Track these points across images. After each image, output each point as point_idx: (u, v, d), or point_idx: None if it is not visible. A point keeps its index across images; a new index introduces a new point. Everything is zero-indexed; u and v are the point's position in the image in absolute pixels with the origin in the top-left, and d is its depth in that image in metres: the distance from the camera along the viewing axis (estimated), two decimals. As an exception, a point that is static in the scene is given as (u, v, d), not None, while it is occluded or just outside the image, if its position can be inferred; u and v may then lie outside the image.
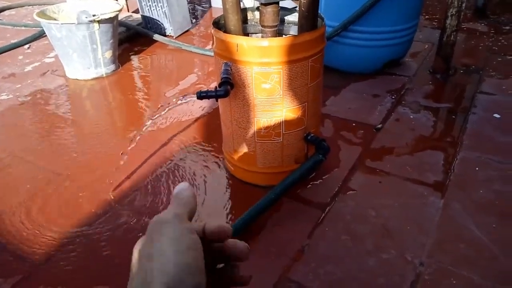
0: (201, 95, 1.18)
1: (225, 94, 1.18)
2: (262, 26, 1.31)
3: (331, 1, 2.10)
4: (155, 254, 0.38)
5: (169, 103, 1.27)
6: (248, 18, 1.44)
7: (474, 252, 1.16)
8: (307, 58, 1.23)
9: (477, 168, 1.48)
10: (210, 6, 3.56)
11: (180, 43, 2.67)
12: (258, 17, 1.35)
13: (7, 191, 1.46)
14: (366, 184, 1.45)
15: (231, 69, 1.23)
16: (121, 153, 1.46)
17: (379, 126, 1.76)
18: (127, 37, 2.79)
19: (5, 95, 2.14)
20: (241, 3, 1.30)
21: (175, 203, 0.45)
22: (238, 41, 1.19)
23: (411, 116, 1.84)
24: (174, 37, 2.83)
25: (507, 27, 2.86)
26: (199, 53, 2.57)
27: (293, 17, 1.42)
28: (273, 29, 1.30)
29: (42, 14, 2.22)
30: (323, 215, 1.31)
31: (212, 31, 1.28)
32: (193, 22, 3.12)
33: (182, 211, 0.44)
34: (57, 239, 1.26)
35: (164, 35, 2.83)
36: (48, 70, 2.43)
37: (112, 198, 1.41)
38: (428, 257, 1.15)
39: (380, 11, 1.98)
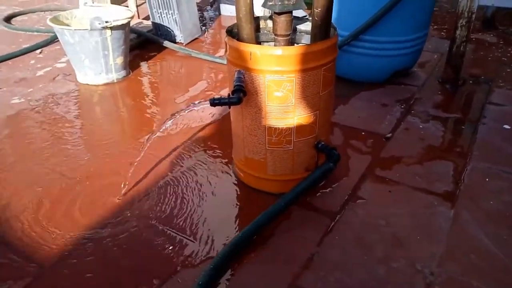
0: (214, 102, 1.20)
1: (238, 101, 1.20)
2: (275, 35, 1.33)
3: (342, 11, 2.11)
4: None
5: (180, 110, 1.28)
6: (261, 26, 1.45)
7: (485, 262, 1.16)
8: (320, 67, 1.24)
9: (487, 179, 1.48)
10: (219, 14, 3.59)
11: (190, 50, 2.70)
12: (271, 26, 1.37)
13: (17, 193, 1.48)
14: (376, 193, 1.45)
15: (244, 77, 1.24)
16: (130, 164, 1.47)
17: (389, 135, 1.77)
18: (137, 43, 2.82)
19: (17, 99, 2.17)
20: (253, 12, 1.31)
21: None
22: (251, 49, 1.21)
23: (421, 126, 1.84)
24: (184, 44, 2.86)
25: (516, 39, 2.87)
26: (208, 60, 2.59)
27: (305, 26, 1.43)
28: (286, 38, 1.32)
29: (56, 19, 2.25)
30: (332, 223, 1.31)
31: (226, 39, 1.30)
32: (202, 29, 3.15)
33: None
34: (67, 242, 1.27)
35: (174, 42, 2.86)
36: (59, 75, 2.45)
37: (123, 202, 1.42)
38: (438, 266, 1.15)
39: (390, 21, 2.00)
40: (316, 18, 1.25)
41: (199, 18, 3.14)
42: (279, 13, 1.27)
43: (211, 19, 3.50)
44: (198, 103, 1.23)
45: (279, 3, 1.24)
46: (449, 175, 1.52)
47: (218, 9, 3.62)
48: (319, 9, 1.22)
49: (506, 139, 1.69)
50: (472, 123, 1.85)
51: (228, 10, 3.50)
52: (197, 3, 3.08)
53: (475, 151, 1.63)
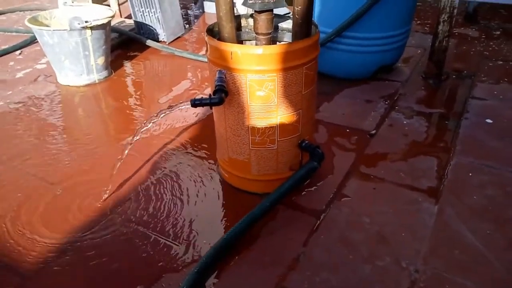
0: (195, 103, 1.18)
1: (220, 102, 1.18)
2: (256, 33, 1.31)
3: (325, 7, 2.11)
4: None
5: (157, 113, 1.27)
6: (242, 25, 1.44)
7: (469, 258, 1.17)
8: (301, 65, 1.23)
9: (470, 174, 1.48)
10: (203, 12, 3.56)
11: (173, 48, 2.67)
12: (252, 24, 1.35)
13: (-2, 200, 1.44)
14: (361, 190, 1.45)
15: (225, 77, 1.23)
16: (112, 168, 1.44)
17: (373, 132, 1.77)
18: (119, 42, 2.78)
19: (-4, 102, 2.12)
20: (235, 10, 1.30)
21: None
22: (232, 49, 1.19)
23: (404, 122, 1.85)
24: (167, 43, 2.82)
25: (498, 32, 2.89)
26: (192, 59, 2.57)
27: (287, 24, 1.42)
28: (267, 36, 1.30)
29: (34, 20, 2.20)
30: (318, 222, 1.31)
31: (206, 38, 1.28)
32: (186, 27, 3.12)
33: None
34: (49, 249, 1.24)
35: (157, 40, 2.82)
36: (40, 76, 2.40)
37: (105, 206, 1.40)
38: (423, 263, 1.15)
39: (373, 17, 1.99)
40: (296, 16, 1.23)
41: (183, 16, 3.10)
42: (260, 12, 1.25)
43: (195, 17, 3.47)
44: (169, 107, 1.22)
45: (259, 1, 1.22)
46: (433, 171, 1.53)
47: (202, 6, 3.59)
48: (300, 7, 1.21)
49: (489, 134, 1.70)
50: (455, 118, 1.86)
51: (212, 8, 3.47)
52: (180, 0, 3.04)
53: (458, 146, 1.64)
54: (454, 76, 2.26)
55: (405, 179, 1.49)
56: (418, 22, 3.16)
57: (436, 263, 1.15)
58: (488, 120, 1.79)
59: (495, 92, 2.04)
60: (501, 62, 2.41)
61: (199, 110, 1.95)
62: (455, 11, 2.03)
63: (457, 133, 1.72)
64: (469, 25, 3.04)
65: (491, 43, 2.70)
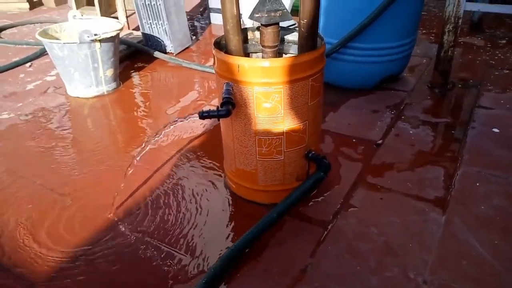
0: (203, 115, 1.20)
1: (227, 114, 1.20)
2: (263, 46, 1.33)
3: (330, 18, 2.13)
4: None
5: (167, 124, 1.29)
6: (249, 37, 1.46)
7: (477, 268, 1.16)
8: (308, 77, 1.24)
9: (477, 184, 1.48)
10: (210, 23, 3.60)
11: (180, 60, 2.70)
12: (259, 36, 1.37)
13: (8, 210, 1.46)
14: (368, 200, 1.45)
15: (232, 89, 1.24)
16: (124, 175, 1.46)
17: (380, 141, 1.77)
18: (127, 54, 2.82)
19: (7, 114, 2.16)
20: (241, 23, 1.32)
21: None
22: (239, 62, 1.21)
23: (411, 132, 1.85)
24: (174, 54, 2.86)
25: (503, 41, 2.90)
26: (199, 70, 2.60)
27: (293, 36, 1.44)
28: (273, 49, 1.32)
29: (44, 33, 2.24)
30: (325, 233, 1.31)
31: (214, 51, 1.30)
32: (193, 38, 3.16)
33: None
34: (59, 259, 1.25)
35: (165, 52, 2.86)
36: (49, 88, 2.44)
37: (114, 217, 1.41)
38: (430, 274, 1.15)
39: (378, 27, 2.01)
40: (302, 29, 1.25)
41: (189, 27, 3.14)
42: (266, 25, 1.27)
43: (202, 28, 3.51)
44: (176, 120, 1.25)
45: (266, 15, 1.24)
46: (440, 181, 1.53)
47: (209, 17, 3.63)
48: (305, 20, 1.23)
49: (496, 143, 1.70)
50: (462, 128, 1.86)
51: (218, 19, 3.51)
52: (187, 12, 3.09)
53: (465, 155, 1.63)
54: (460, 86, 2.26)
55: (412, 189, 1.49)
56: (424, 31, 3.18)
57: (443, 274, 1.15)
58: (495, 129, 1.79)
59: (502, 101, 2.04)
60: (507, 71, 2.40)
61: (207, 121, 1.97)
62: (460, 21, 2.04)
63: (464, 143, 1.72)
64: (474, 34, 3.05)
65: (497, 52, 2.70)
